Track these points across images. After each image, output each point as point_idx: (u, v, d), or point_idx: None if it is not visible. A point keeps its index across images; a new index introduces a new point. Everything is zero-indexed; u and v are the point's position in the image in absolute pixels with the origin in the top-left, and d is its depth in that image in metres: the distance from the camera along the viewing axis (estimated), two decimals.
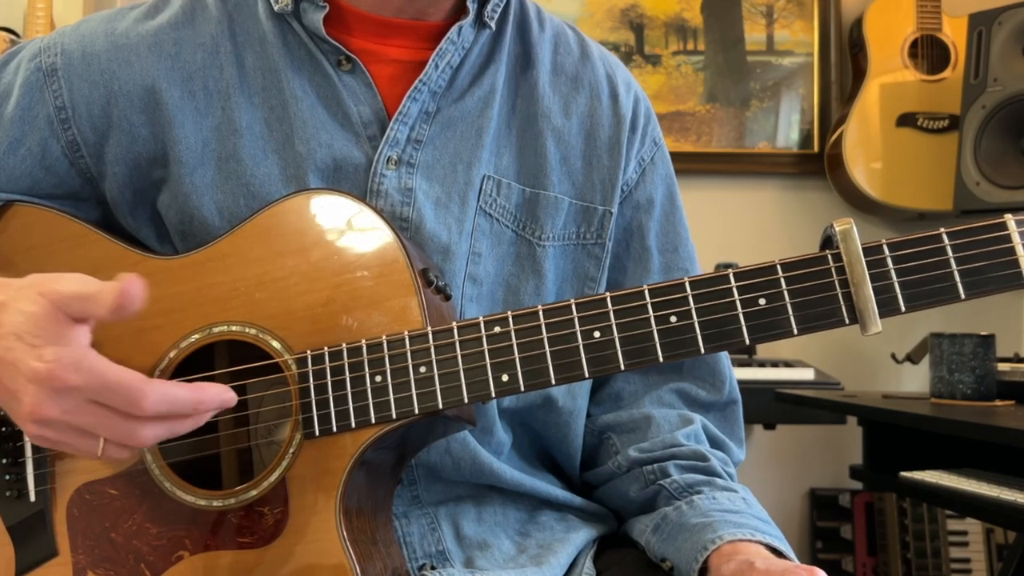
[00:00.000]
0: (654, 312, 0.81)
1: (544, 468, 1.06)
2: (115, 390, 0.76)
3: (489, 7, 0.99)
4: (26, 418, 0.77)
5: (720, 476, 1.00)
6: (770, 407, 2.22)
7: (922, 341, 2.36)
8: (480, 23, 0.99)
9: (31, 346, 0.76)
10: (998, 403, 1.92)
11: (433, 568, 0.95)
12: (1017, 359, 2.12)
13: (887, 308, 0.78)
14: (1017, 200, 2.25)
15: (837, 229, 0.79)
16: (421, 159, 0.97)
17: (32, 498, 0.92)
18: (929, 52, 2.64)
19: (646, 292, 0.82)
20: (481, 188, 0.98)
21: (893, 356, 2.47)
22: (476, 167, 0.98)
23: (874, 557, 2.60)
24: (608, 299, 0.82)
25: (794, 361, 2.41)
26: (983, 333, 1.95)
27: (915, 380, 2.64)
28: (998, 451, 1.80)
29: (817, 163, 2.77)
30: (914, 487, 1.79)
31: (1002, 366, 2.01)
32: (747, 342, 0.81)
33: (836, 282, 0.79)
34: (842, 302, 0.79)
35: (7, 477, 0.93)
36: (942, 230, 0.79)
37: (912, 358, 2.41)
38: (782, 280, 0.80)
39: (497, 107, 1.00)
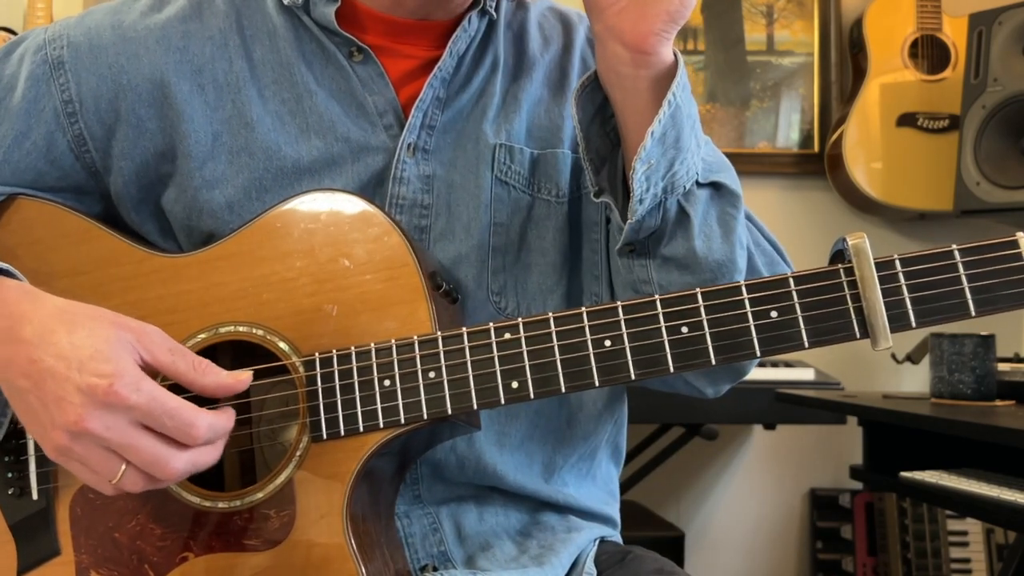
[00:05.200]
0: (665, 322, 0.82)
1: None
2: (172, 415, 0.78)
3: None
4: (64, 427, 0.77)
5: None
6: (770, 407, 2.22)
7: (922, 341, 2.36)
8: (482, 11, 1.01)
9: (92, 362, 0.78)
10: (998, 403, 1.93)
11: (435, 569, 0.95)
12: (1017, 359, 2.12)
13: (898, 324, 0.79)
14: (1017, 200, 2.25)
15: (850, 243, 0.79)
16: (434, 144, 0.98)
17: (35, 496, 0.92)
18: (929, 52, 2.64)
19: (658, 302, 0.82)
20: (494, 158, 0.99)
21: (893, 356, 2.47)
22: (484, 140, 0.99)
23: (874, 557, 2.60)
24: (619, 308, 0.82)
25: (794, 361, 2.41)
26: (983, 333, 1.95)
27: (915, 380, 2.64)
28: (998, 451, 1.80)
29: (817, 163, 2.77)
30: (914, 487, 1.78)
31: (1002, 366, 2.01)
32: (758, 354, 0.81)
33: (848, 296, 0.80)
34: (853, 316, 0.79)
35: (9, 475, 0.92)
36: (954, 246, 0.79)
37: (912, 358, 2.41)
38: (794, 293, 0.80)
39: (499, 83, 1.02)
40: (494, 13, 1.02)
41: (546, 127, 1.03)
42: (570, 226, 1.02)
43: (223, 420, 0.82)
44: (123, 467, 0.79)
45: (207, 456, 0.81)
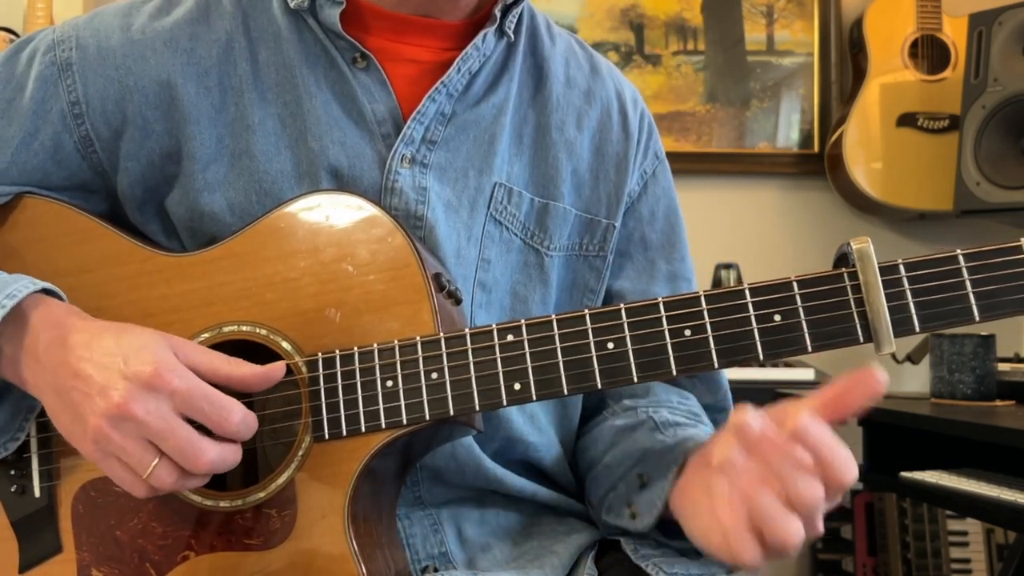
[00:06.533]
0: (668, 325, 0.81)
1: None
2: (211, 400, 0.81)
3: (509, 17, 0.99)
4: (105, 413, 0.80)
5: (708, 427, 1.02)
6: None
7: (922, 341, 2.36)
8: (500, 31, 1.00)
9: (137, 354, 0.81)
10: (998, 403, 1.93)
11: (436, 570, 0.95)
12: (1017, 359, 2.13)
13: (902, 328, 0.78)
14: (1017, 200, 2.25)
15: (854, 247, 0.79)
16: (434, 160, 0.97)
17: (37, 494, 0.92)
18: (929, 52, 2.64)
19: (661, 305, 0.82)
20: (492, 195, 0.99)
21: (893, 356, 2.47)
22: (488, 174, 0.98)
23: (874, 557, 2.60)
24: (623, 311, 0.82)
25: (794, 361, 2.41)
26: (983, 333, 1.95)
27: (915, 380, 2.64)
28: (998, 451, 1.80)
29: (817, 163, 2.77)
30: (914, 487, 1.79)
31: (1002, 366, 2.01)
32: (761, 358, 0.80)
33: (851, 300, 0.79)
34: (857, 320, 0.79)
35: (12, 472, 0.93)
36: (958, 251, 0.78)
37: (912, 358, 2.41)
38: (798, 297, 0.80)
39: (510, 116, 1.01)
40: (511, 35, 1.01)
41: (550, 176, 1.02)
42: (557, 279, 1.02)
43: (252, 416, 0.84)
44: (157, 459, 0.80)
45: (232, 454, 0.83)
